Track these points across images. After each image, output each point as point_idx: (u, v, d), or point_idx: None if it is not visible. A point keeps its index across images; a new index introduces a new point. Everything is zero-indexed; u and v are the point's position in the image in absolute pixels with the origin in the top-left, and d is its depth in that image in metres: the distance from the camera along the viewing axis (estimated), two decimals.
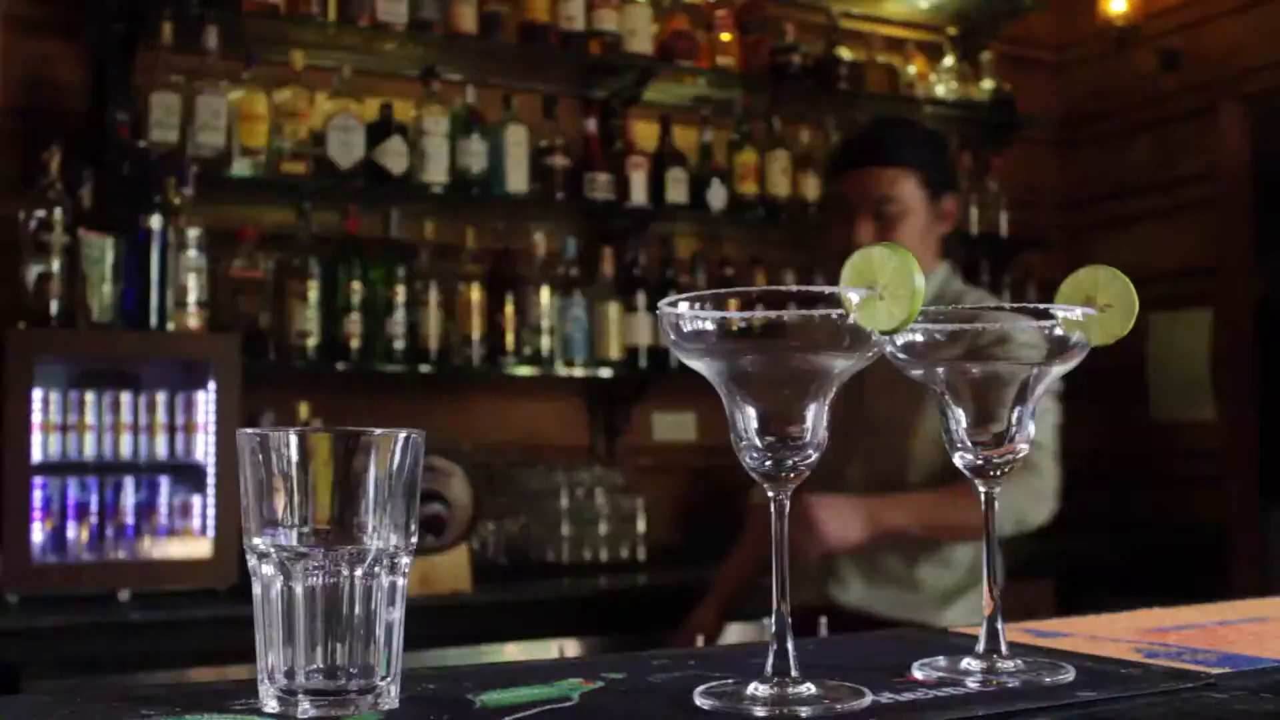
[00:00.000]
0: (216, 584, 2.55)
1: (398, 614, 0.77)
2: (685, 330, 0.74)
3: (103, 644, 2.33)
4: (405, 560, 0.78)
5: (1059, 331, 0.82)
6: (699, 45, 3.50)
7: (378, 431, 0.76)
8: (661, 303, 0.76)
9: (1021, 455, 0.86)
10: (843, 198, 2.18)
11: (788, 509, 0.79)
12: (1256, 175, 3.94)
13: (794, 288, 0.73)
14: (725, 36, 3.56)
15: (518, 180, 3.19)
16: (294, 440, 0.75)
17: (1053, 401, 2.14)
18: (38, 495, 2.48)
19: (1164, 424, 4.02)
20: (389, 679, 0.76)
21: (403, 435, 0.77)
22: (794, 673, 0.76)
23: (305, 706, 0.74)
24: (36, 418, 2.47)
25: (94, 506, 2.57)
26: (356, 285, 3.00)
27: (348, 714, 0.74)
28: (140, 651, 2.35)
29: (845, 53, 3.74)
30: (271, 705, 0.75)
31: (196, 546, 2.60)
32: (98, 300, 2.64)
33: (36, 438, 2.47)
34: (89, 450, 2.54)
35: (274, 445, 0.75)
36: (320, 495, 0.75)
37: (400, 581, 0.78)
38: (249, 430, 0.77)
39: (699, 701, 0.75)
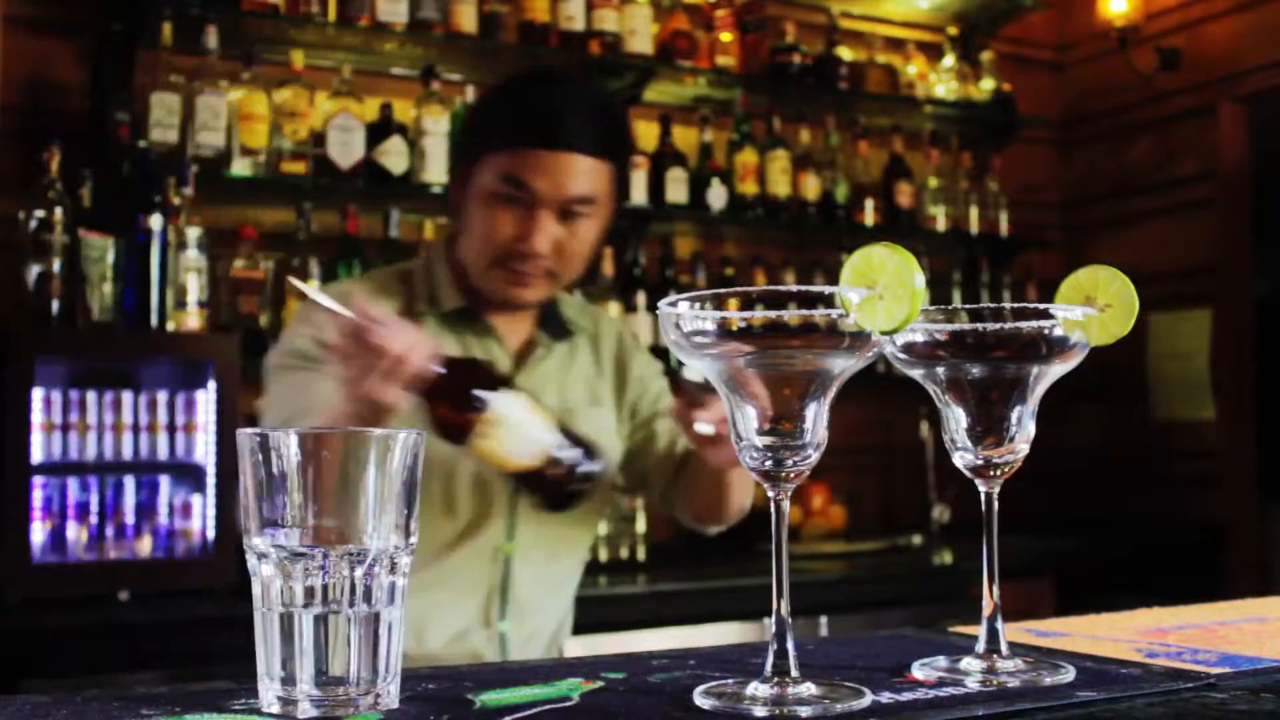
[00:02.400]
0: (216, 584, 2.55)
1: (398, 614, 0.78)
2: (685, 330, 0.74)
3: (103, 644, 2.33)
4: (405, 560, 0.78)
5: (1059, 331, 0.82)
6: (699, 45, 3.50)
7: (377, 431, 0.76)
8: (661, 303, 0.76)
9: (1022, 455, 0.86)
10: (520, 182, 1.62)
11: (786, 508, 0.79)
12: (1256, 175, 3.94)
13: (794, 288, 0.73)
14: (725, 36, 3.56)
15: None
16: (294, 440, 0.75)
17: None
18: (38, 495, 2.48)
19: (1164, 424, 4.02)
20: (389, 679, 0.76)
21: (402, 435, 0.77)
22: (794, 673, 0.76)
23: (305, 706, 0.74)
24: (36, 418, 2.47)
25: (94, 506, 2.57)
26: None
27: (348, 714, 0.74)
28: (140, 651, 2.35)
29: (845, 53, 3.74)
30: (272, 705, 0.75)
31: (196, 547, 2.60)
32: (98, 300, 2.64)
33: (36, 438, 2.47)
34: (89, 450, 2.53)
35: (274, 445, 0.76)
36: (320, 495, 0.76)
37: (400, 581, 0.78)
38: (249, 430, 0.77)
39: (699, 701, 0.75)
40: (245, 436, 0.77)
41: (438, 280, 1.75)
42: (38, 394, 2.48)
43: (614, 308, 3.28)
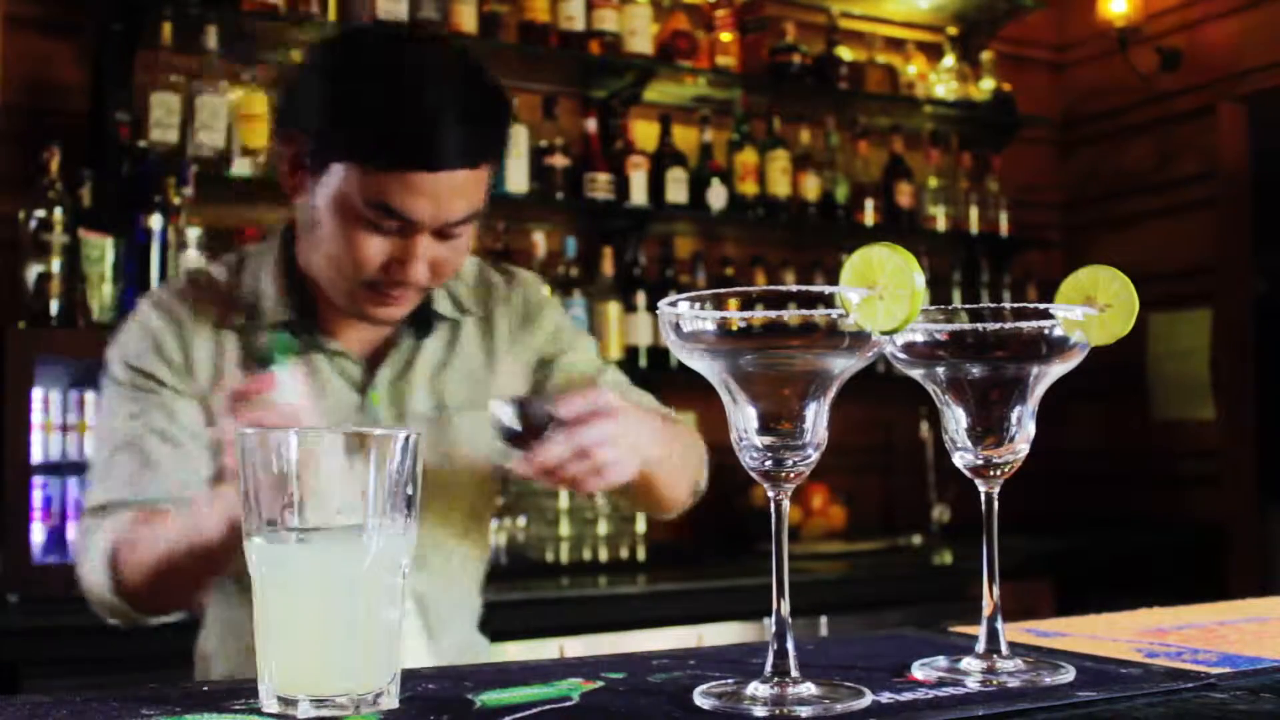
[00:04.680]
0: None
1: (397, 614, 0.78)
2: (685, 330, 0.74)
3: (103, 644, 2.33)
4: (405, 561, 0.78)
5: (1059, 331, 0.82)
6: (699, 45, 3.50)
7: (378, 431, 0.77)
8: (661, 302, 0.76)
9: (1022, 455, 0.86)
10: (392, 211, 1.33)
11: (786, 508, 0.79)
12: (1256, 175, 3.94)
13: (794, 288, 0.73)
14: (725, 36, 3.56)
15: (518, 180, 3.20)
16: (294, 440, 0.76)
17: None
18: (38, 495, 2.48)
19: (1164, 424, 4.02)
20: (389, 679, 0.76)
21: (402, 435, 0.77)
22: (794, 673, 0.76)
23: (305, 706, 0.74)
24: (36, 418, 2.47)
25: None
26: None
27: (348, 714, 0.74)
28: (140, 652, 2.34)
29: (845, 53, 3.74)
30: (272, 705, 0.75)
31: None
32: (98, 300, 2.64)
33: (36, 438, 2.47)
34: (89, 450, 2.53)
35: (274, 445, 0.76)
36: (320, 495, 0.76)
37: (399, 581, 0.78)
38: (249, 430, 0.77)
39: (699, 701, 0.75)
40: (245, 436, 0.77)
41: (262, 295, 1.49)
42: (38, 394, 2.48)
43: (614, 308, 3.28)
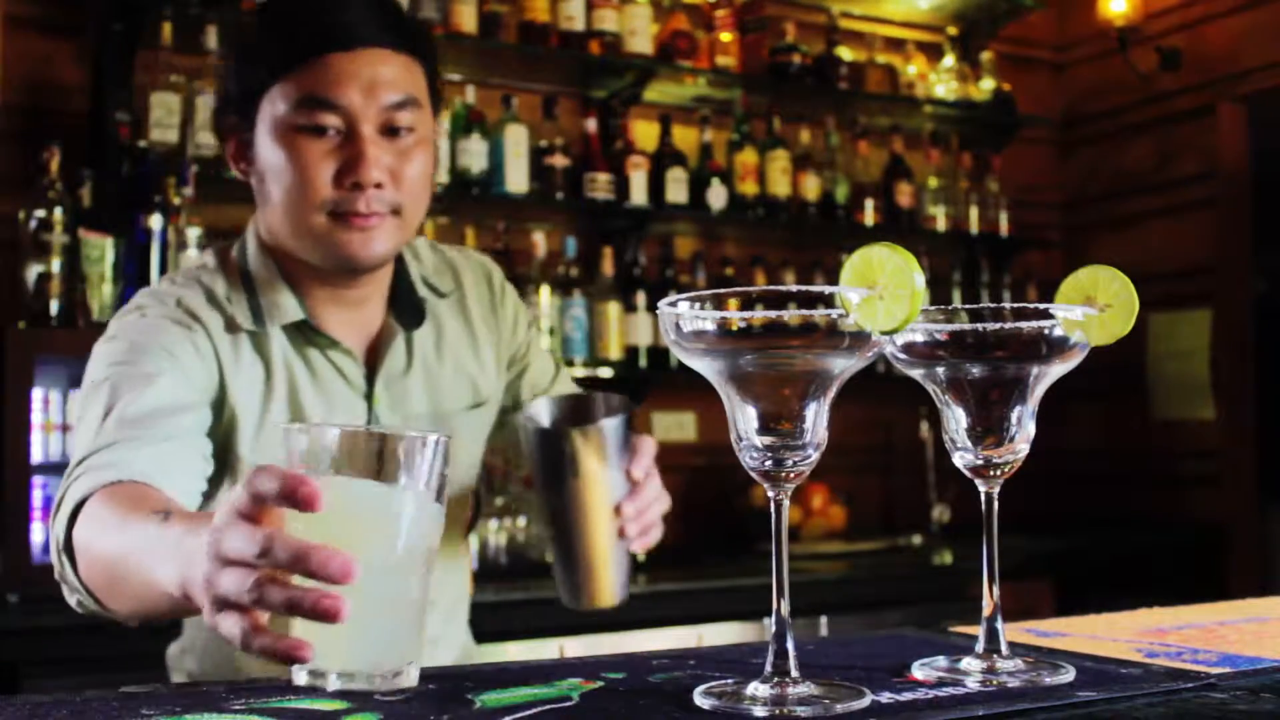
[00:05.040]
0: None
1: (423, 597, 0.84)
2: (685, 330, 0.74)
3: (103, 644, 2.33)
4: (434, 547, 0.85)
5: (1059, 331, 0.82)
6: (699, 45, 3.50)
7: (410, 433, 0.82)
8: (661, 302, 0.76)
9: (1022, 455, 0.86)
10: (322, 100, 1.30)
11: (786, 508, 0.79)
12: (1256, 175, 3.94)
13: (794, 288, 0.73)
14: (725, 36, 3.56)
15: (518, 180, 3.19)
16: (333, 436, 0.81)
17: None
18: (38, 495, 2.48)
19: (1164, 424, 4.02)
20: (411, 661, 0.83)
21: (433, 438, 0.82)
22: (794, 673, 0.76)
23: (332, 679, 0.80)
24: (36, 418, 2.47)
25: None
26: None
27: (375, 688, 0.79)
28: (140, 651, 2.34)
29: (845, 53, 3.74)
30: (301, 678, 0.81)
31: None
32: (98, 300, 2.64)
33: (36, 438, 2.47)
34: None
35: (313, 441, 0.81)
36: (360, 483, 0.82)
37: (426, 568, 0.84)
38: (293, 425, 0.84)
39: (699, 701, 0.75)
40: (286, 431, 0.83)
41: (258, 286, 1.41)
42: (38, 394, 2.48)
43: (614, 308, 3.28)
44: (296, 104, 1.31)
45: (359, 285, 1.43)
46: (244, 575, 0.80)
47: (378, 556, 0.80)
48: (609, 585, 1.27)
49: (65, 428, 2.52)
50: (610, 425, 1.22)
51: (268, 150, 1.34)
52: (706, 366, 0.76)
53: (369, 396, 1.46)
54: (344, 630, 0.77)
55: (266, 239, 1.43)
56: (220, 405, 1.37)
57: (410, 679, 0.81)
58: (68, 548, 1.16)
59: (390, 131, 1.34)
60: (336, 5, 1.33)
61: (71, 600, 1.21)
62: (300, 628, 0.79)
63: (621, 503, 1.24)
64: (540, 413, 1.29)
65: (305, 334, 1.43)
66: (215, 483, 1.36)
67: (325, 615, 0.76)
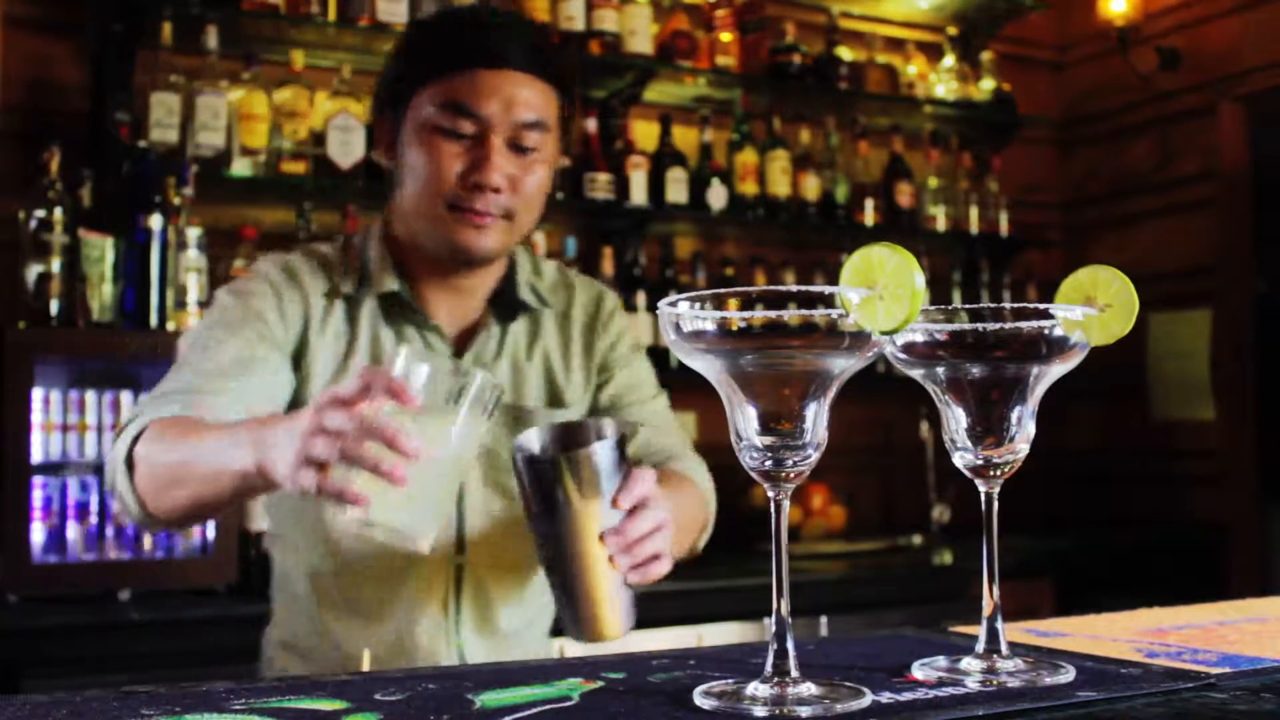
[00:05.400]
0: (216, 583, 2.55)
1: (457, 486, 1.20)
2: (685, 330, 0.74)
3: (103, 644, 2.33)
4: (475, 454, 1.22)
5: (1059, 331, 0.82)
6: (699, 45, 3.50)
7: (477, 374, 1.15)
8: (661, 303, 0.76)
9: (1022, 455, 0.86)
10: (463, 108, 1.46)
11: (786, 508, 0.79)
12: (1256, 175, 3.94)
13: (794, 288, 0.73)
14: (725, 36, 3.56)
15: None
16: (425, 369, 1.13)
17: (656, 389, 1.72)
18: (38, 495, 2.48)
19: (1164, 424, 4.02)
20: (429, 536, 1.12)
21: (490, 383, 1.15)
22: (794, 673, 0.76)
23: (378, 531, 1.10)
24: (36, 418, 2.47)
25: (94, 506, 2.56)
26: None
27: (399, 543, 1.13)
28: (140, 651, 2.35)
29: (845, 53, 3.74)
30: (354, 526, 1.11)
31: (196, 546, 2.60)
32: (98, 300, 2.64)
33: (36, 438, 2.47)
34: (89, 450, 2.53)
35: (409, 364, 1.12)
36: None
37: (458, 472, 1.17)
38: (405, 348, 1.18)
39: (699, 701, 0.75)
40: (395, 358, 1.14)
41: (369, 260, 1.57)
42: (38, 394, 2.48)
43: None
44: (440, 107, 1.47)
45: (467, 275, 1.57)
46: (334, 441, 1.07)
47: (434, 450, 1.09)
48: (607, 616, 1.25)
49: (65, 428, 2.52)
50: (598, 450, 1.21)
51: (409, 144, 1.51)
52: (706, 366, 0.76)
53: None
54: (395, 494, 1.07)
55: (391, 226, 1.59)
56: (299, 361, 1.51)
57: (424, 548, 1.13)
58: (128, 461, 1.35)
59: (517, 147, 1.49)
60: (493, 27, 1.52)
61: (117, 507, 1.39)
62: (361, 483, 1.06)
63: (605, 532, 1.23)
64: (530, 440, 1.28)
65: (401, 308, 1.55)
66: None
67: (390, 476, 1.06)
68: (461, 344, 1.58)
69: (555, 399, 1.62)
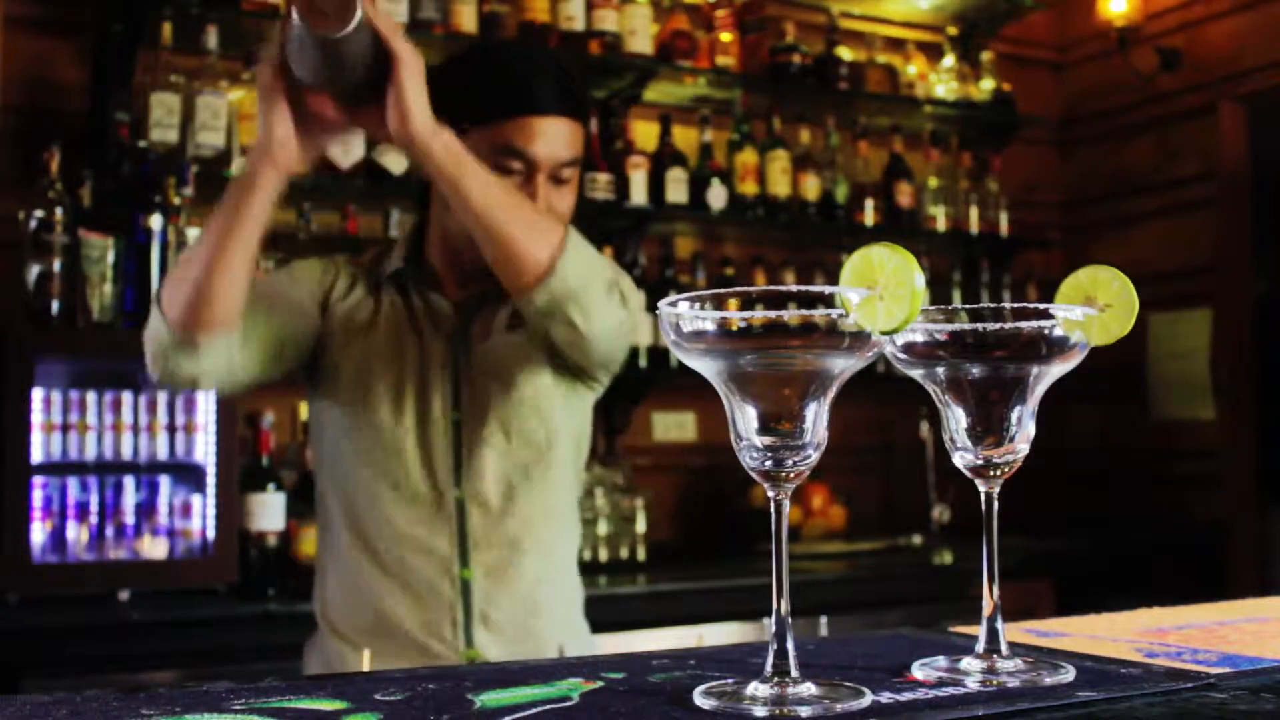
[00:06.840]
0: (216, 584, 2.55)
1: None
2: (685, 330, 0.74)
3: (103, 644, 2.33)
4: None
5: (1059, 331, 0.82)
6: (699, 45, 3.50)
7: None
8: (661, 303, 0.76)
9: (1022, 455, 0.86)
10: (518, 152, 1.65)
11: (786, 508, 0.79)
12: (1256, 175, 3.94)
13: (794, 288, 0.73)
14: (725, 36, 3.56)
15: None
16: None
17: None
18: (38, 495, 2.48)
19: (1164, 424, 4.02)
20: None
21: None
22: (794, 673, 0.76)
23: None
24: (36, 418, 2.47)
25: (94, 506, 2.57)
26: None
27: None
28: (140, 651, 2.35)
29: (845, 53, 3.74)
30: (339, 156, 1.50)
31: (196, 546, 2.60)
32: (98, 300, 2.64)
33: (36, 438, 2.47)
34: (89, 450, 2.54)
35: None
36: None
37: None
38: None
39: (699, 701, 0.75)
40: None
41: (388, 254, 1.81)
42: (38, 394, 2.48)
43: None
44: (494, 149, 1.65)
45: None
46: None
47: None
48: None
49: (65, 428, 2.52)
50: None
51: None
52: (706, 366, 0.76)
53: (454, 338, 1.72)
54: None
55: (439, 226, 1.76)
56: (322, 316, 1.73)
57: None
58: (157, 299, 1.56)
59: (556, 180, 1.69)
60: (535, 77, 1.69)
61: (149, 333, 1.56)
62: None
63: None
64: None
65: (411, 273, 1.75)
66: (314, 386, 1.73)
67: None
68: (461, 309, 1.74)
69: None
